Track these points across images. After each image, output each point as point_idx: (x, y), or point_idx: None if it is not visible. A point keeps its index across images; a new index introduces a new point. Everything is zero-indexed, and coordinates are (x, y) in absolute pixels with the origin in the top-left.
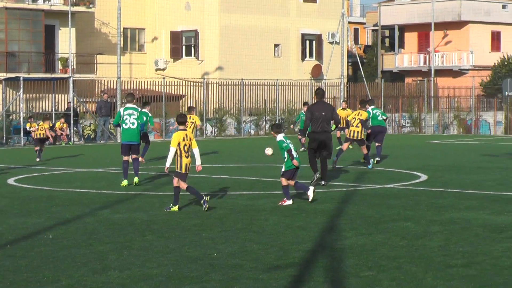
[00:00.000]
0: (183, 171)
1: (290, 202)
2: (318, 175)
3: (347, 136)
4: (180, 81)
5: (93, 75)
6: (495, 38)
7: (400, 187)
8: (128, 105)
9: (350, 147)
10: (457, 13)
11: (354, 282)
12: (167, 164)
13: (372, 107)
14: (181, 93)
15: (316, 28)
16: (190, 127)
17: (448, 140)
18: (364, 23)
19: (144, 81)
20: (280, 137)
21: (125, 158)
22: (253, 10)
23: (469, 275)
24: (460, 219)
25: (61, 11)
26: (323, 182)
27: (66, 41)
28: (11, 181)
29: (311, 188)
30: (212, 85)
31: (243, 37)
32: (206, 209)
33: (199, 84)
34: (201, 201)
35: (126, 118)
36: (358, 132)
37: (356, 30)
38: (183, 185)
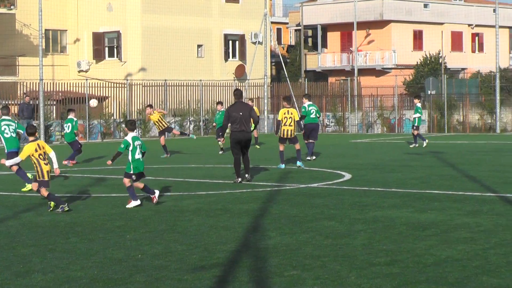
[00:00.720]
0: (46, 178)
1: (137, 202)
2: (239, 181)
3: (281, 136)
4: (103, 83)
5: (15, 77)
6: (417, 37)
7: (324, 186)
8: (4, 117)
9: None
10: (379, 13)
11: (279, 281)
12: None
13: (309, 103)
14: (104, 95)
15: (239, 29)
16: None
17: (372, 139)
18: (287, 23)
19: (67, 83)
20: (129, 136)
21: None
22: (176, 10)
23: (392, 273)
24: (384, 217)
25: None
26: (246, 175)
27: None
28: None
29: (157, 192)
30: (136, 86)
31: (165, 37)
32: (61, 210)
33: (123, 85)
34: (60, 206)
35: (5, 129)
36: (291, 130)
37: (279, 30)
38: (44, 192)
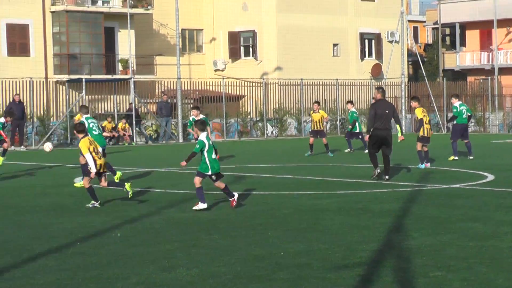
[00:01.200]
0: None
1: (204, 205)
2: (378, 170)
3: (424, 135)
4: (239, 82)
5: (153, 76)
6: None
7: (466, 187)
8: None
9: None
10: None
11: (424, 282)
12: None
13: (459, 102)
14: (240, 94)
15: (375, 27)
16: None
17: None
18: (424, 21)
19: (204, 82)
20: (202, 136)
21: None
22: (311, 9)
23: None
24: None
25: (120, 13)
26: (386, 177)
27: (125, 43)
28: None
29: (236, 194)
30: (272, 85)
31: (301, 36)
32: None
33: (258, 84)
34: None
35: (93, 126)
36: (429, 129)
37: (415, 29)
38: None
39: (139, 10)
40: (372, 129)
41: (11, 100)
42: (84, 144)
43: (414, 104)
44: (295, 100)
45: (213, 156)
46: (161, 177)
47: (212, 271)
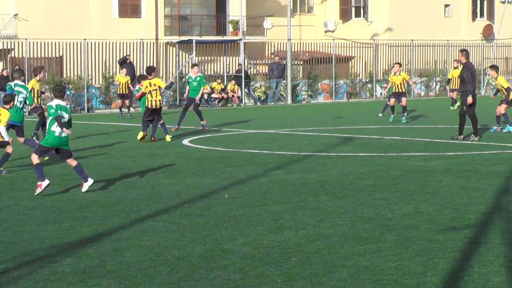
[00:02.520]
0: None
1: (46, 182)
2: (461, 137)
3: None
4: (349, 43)
5: (263, 37)
6: None
7: None
8: (16, 81)
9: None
10: None
11: None
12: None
13: None
14: (350, 55)
15: None
16: (155, 94)
17: None
18: None
19: (314, 43)
20: (54, 102)
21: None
22: None
23: None
24: None
25: None
26: (477, 138)
27: (236, 4)
28: (186, 141)
29: (91, 180)
30: (382, 46)
31: None
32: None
33: (369, 45)
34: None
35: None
36: None
37: None
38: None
39: None
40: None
41: (120, 61)
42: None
43: (492, 73)
44: (405, 61)
45: (54, 127)
46: (269, 139)
47: (319, 232)
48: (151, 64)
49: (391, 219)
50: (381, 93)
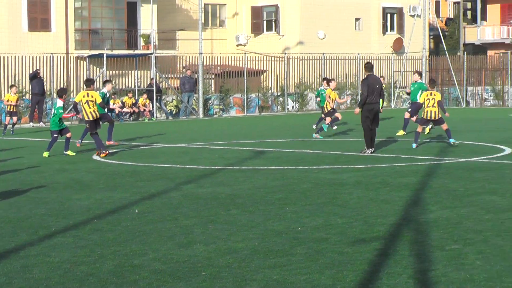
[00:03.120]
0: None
1: None
2: (370, 152)
3: (424, 118)
4: (261, 56)
5: (175, 51)
6: None
7: (484, 161)
8: None
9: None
10: None
11: (440, 255)
12: None
13: None
14: (262, 69)
15: (397, 2)
16: (92, 105)
17: None
18: None
19: (226, 57)
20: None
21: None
22: None
23: None
24: None
25: None
26: (371, 150)
27: (148, 18)
28: (95, 156)
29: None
30: (294, 60)
31: (323, 11)
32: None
33: (280, 59)
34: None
35: None
36: (435, 112)
37: (437, 3)
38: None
39: None
40: (364, 103)
41: (31, 75)
42: None
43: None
44: (317, 75)
45: None
46: (180, 153)
47: (229, 246)
48: (63, 78)
49: (301, 232)
50: (292, 107)
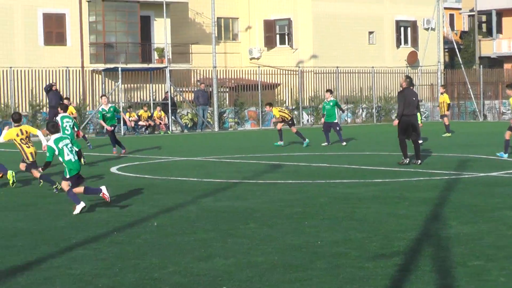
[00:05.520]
0: (30, 159)
1: (81, 205)
2: (407, 161)
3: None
4: (274, 70)
5: (188, 65)
6: None
7: (504, 176)
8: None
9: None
10: None
11: (462, 271)
12: None
13: None
14: (276, 82)
15: (411, 15)
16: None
17: None
18: (460, 9)
19: (239, 70)
20: (51, 139)
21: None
22: None
23: None
24: None
25: (156, 2)
26: (419, 161)
27: (161, 32)
28: (113, 169)
29: (103, 188)
30: (307, 73)
31: (336, 24)
32: (56, 191)
33: (294, 72)
34: (53, 187)
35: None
36: None
37: (451, 16)
38: (36, 174)
39: None
40: (401, 115)
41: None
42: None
43: (509, 92)
44: (331, 88)
45: (67, 157)
46: (196, 166)
47: (248, 260)
48: (79, 91)
49: (321, 247)
50: (307, 120)
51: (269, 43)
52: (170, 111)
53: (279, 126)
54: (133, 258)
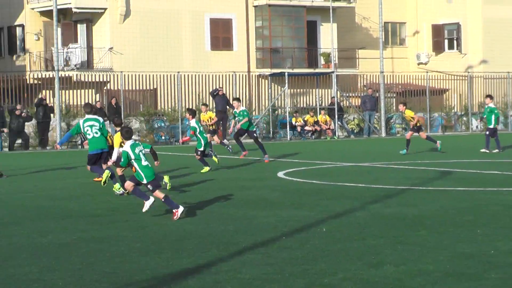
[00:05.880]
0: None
1: (150, 200)
2: None
3: None
4: (443, 75)
5: (355, 70)
6: None
7: None
8: (87, 116)
9: None
10: None
11: None
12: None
13: None
14: (444, 87)
15: None
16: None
17: None
18: None
19: (407, 75)
20: (127, 146)
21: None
22: None
23: None
24: None
25: (322, 7)
26: None
27: (327, 36)
28: (281, 174)
29: (181, 207)
30: (477, 78)
31: (508, 29)
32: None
33: (463, 78)
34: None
35: (87, 130)
36: None
37: None
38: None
39: (342, 4)
40: None
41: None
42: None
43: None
44: (502, 93)
45: (144, 163)
46: (364, 172)
47: (420, 268)
48: (245, 96)
49: (495, 256)
50: (477, 126)
51: (437, 48)
52: (336, 116)
53: (409, 135)
54: (302, 263)
